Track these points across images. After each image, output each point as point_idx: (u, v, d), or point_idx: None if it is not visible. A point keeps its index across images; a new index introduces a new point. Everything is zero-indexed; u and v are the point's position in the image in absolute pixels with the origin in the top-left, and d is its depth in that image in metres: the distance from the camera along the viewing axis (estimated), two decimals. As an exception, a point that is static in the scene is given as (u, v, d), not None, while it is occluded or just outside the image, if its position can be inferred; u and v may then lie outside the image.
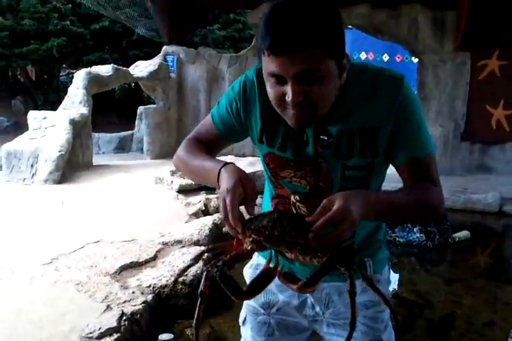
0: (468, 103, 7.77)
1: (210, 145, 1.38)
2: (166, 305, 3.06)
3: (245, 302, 1.49)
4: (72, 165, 6.79)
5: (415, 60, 9.06)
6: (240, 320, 1.53)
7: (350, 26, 8.98)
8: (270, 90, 1.11)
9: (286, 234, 1.02)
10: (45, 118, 6.99)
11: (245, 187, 1.09)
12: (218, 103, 1.37)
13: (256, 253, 1.46)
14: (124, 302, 2.86)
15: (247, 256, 1.10)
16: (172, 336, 2.32)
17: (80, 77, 7.52)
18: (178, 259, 3.48)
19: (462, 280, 3.96)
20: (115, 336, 2.49)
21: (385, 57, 17.50)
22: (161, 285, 3.07)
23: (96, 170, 7.20)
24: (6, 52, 11.91)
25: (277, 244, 1.04)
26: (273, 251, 1.12)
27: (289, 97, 1.06)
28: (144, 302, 2.85)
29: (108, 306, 2.79)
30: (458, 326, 3.14)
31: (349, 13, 7.97)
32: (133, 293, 2.99)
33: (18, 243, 3.87)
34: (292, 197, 1.33)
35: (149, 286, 3.08)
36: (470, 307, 3.42)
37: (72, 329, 2.52)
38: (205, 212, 5.26)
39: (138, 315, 2.73)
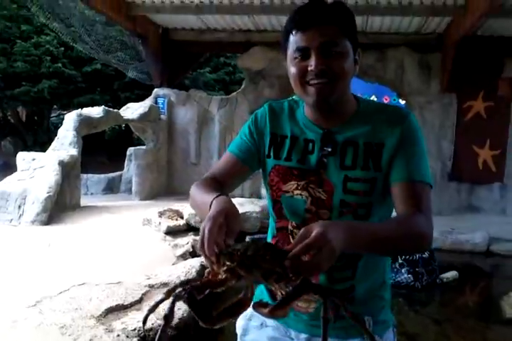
0: (455, 143, 7.91)
1: (227, 178, 1.40)
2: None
3: None
4: (60, 206, 6.76)
5: (402, 102, 9.26)
6: None
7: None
8: (294, 68, 1.24)
9: (260, 258, 0.98)
10: (34, 159, 7.00)
11: (229, 218, 1.08)
12: (232, 141, 1.47)
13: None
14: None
15: (220, 284, 1.06)
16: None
17: (70, 118, 7.59)
18: (164, 302, 3.43)
19: (451, 320, 3.93)
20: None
21: (373, 99, 17.96)
22: (146, 329, 3.02)
23: (83, 211, 7.15)
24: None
25: (251, 270, 1.00)
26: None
27: (312, 66, 1.20)
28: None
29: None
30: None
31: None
32: (118, 336, 2.94)
33: (1, 285, 3.81)
34: (289, 225, 1.35)
35: (134, 330, 3.02)
36: (460, 349, 3.38)
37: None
38: (193, 253, 5.22)
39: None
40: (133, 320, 3.14)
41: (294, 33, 1.23)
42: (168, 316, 1.00)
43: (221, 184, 1.36)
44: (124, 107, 8.75)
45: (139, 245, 5.34)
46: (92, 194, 9.65)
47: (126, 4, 6.90)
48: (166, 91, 9.07)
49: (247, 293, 1.07)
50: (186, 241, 5.47)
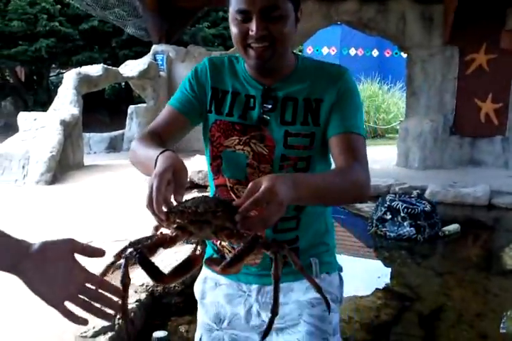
0: (456, 97, 7.83)
1: (169, 132, 1.38)
2: (160, 303, 3.08)
3: (199, 321, 1.49)
4: (63, 165, 6.80)
5: (404, 55, 9.11)
6: (196, 340, 1.50)
7: (338, 22, 9.02)
8: (235, 29, 1.23)
9: (211, 214, 0.96)
10: (35, 119, 6.98)
11: (177, 174, 1.05)
12: (172, 96, 1.45)
13: (204, 267, 1.44)
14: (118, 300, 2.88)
15: (170, 242, 1.04)
16: (166, 333, 2.34)
17: (69, 77, 7.52)
18: (170, 258, 3.50)
19: (452, 272, 4.01)
20: (109, 334, 2.51)
21: (375, 53, 17.59)
22: (153, 284, 3.09)
23: (87, 170, 7.20)
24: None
25: (202, 226, 0.99)
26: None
27: (252, 31, 1.20)
28: (137, 301, 2.88)
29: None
30: (448, 318, 3.18)
31: (337, 9, 8.01)
32: (126, 291, 3.02)
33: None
34: (227, 181, 1.36)
35: (142, 285, 3.10)
36: (460, 300, 3.47)
37: (66, 329, 2.54)
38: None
39: (132, 314, 2.75)
40: (140, 275, 3.20)
41: None
42: (125, 280, 0.98)
43: (162, 138, 1.35)
44: (122, 65, 8.65)
45: (142, 202, 5.39)
46: (95, 153, 9.68)
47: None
48: (164, 48, 8.93)
49: (196, 249, 1.08)
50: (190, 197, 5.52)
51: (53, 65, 14.36)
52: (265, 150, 1.31)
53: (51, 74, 14.99)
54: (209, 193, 1.45)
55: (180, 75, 8.91)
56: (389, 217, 4.59)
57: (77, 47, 12.27)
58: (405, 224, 4.43)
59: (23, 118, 7.03)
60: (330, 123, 1.30)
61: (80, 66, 7.91)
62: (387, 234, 4.57)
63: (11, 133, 7.61)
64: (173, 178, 1.04)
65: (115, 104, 13.62)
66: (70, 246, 0.98)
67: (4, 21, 11.59)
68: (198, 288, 1.50)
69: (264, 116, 1.32)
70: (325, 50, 17.09)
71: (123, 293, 0.98)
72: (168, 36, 9.00)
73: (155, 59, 8.95)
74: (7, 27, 11.55)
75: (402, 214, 4.49)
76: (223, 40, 12.80)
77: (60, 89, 7.53)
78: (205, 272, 1.48)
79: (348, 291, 3.51)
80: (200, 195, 1.10)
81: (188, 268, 1.01)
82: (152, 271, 0.95)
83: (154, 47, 9.00)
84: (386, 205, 4.64)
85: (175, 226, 1.01)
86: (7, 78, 15.21)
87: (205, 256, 1.41)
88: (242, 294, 1.41)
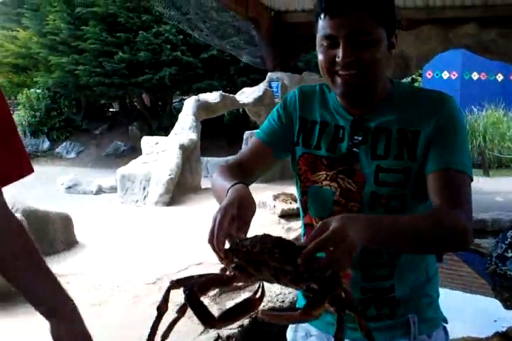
0: None
1: (253, 163, 1.33)
2: (263, 331, 3.08)
3: None
4: (182, 188, 7.11)
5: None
6: None
7: (457, 46, 8.70)
8: (321, 56, 1.17)
9: (267, 255, 0.88)
10: (157, 143, 7.40)
11: (242, 209, 1.00)
12: (260, 127, 1.41)
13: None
14: (222, 325, 2.93)
15: (227, 282, 0.98)
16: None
17: (189, 104, 7.91)
18: (277, 285, 3.51)
19: None
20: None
21: (499, 77, 16.66)
22: (258, 310, 3.10)
23: (204, 193, 7.45)
24: (124, 81, 12.84)
25: (260, 268, 0.91)
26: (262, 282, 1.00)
27: (339, 58, 1.12)
28: (240, 326, 2.90)
29: (205, 329, 2.87)
30: None
31: (456, 33, 7.74)
32: (231, 316, 3.06)
33: (127, 262, 4.11)
34: (313, 221, 1.28)
35: (247, 310, 3.12)
36: None
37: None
38: (306, 236, 5.27)
39: (233, 339, 2.78)
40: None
41: (322, 17, 1.14)
42: (160, 308, 0.97)
43: (245, 170, 1.29)
44: (239, 92, 8.94)
45: (254, 227, 5.44)
46: (212, 176, 10.01)
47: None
48: (279, 75, 9.11)
49: (257, 292, 0.98)
50: (299, 225, 5.51)
51: (177, 92, 15.21)
52: (354, 186, 1.21)
53: (174, 100, 15.89)
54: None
55: (294, 101, 9.02)
56: (510, 255, 4.25)
57: (198, 75, 12.90)
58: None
59: (146, 142, 7.49)
60: (428, 158, 1.16)
61: (200, 93, 8.29)
62: (508, 273, 4.22)
63: (136, 155, 8.13)
64: (239, 213, 0.99)
65: (233, 130, 14.08)
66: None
67: (133, 51, 12.52)
68: (288, 337, 1.43)
69: (354, 149, 1.22)
70: (445, 75, 16.50)
71: (155, 319, 0.98)
72: (282, 63, 9.19)
73: (270, 86, 9.16)
74: (135, 57, 12.45)
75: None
76: (339, 66, 12.83)
77: (180, 115, 7.94)
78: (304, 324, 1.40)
79: (459, 331, 3.32)
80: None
81: (243, 312, 0.93)
82: (201, 311, 0.89)
83: (269, 75, 9.22)
84: (507, 242, 4.30)
85: (233, 266, 0.95)
86: (134, 104, 16.36)
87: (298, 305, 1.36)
88: (309, 337, 1.34)
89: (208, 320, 0.88)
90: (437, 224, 1.02)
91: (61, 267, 4.20)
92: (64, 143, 15.03)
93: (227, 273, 0.98)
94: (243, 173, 1.27)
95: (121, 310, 3.12)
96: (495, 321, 3.60)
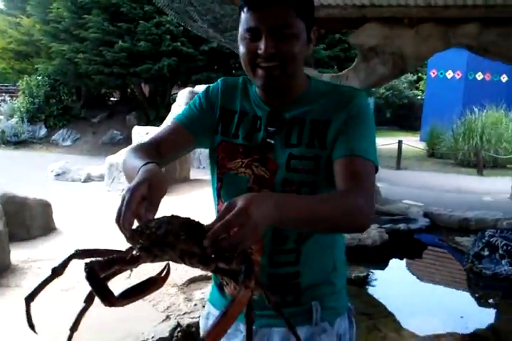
0: None
1: (168, 145, 1.30)
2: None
3: None
4: (170, 178, 7.11)
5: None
6: None
7: (456, 45, 8.64)
8: (244, 48, 1.18)
9: (173, 237, 0.88)
10: (147, 133, 7.41)
11: (152, 189, 0.97)
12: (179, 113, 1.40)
13: (207, 302, 1.42)
14: (184, 314, 2.92)
15: (130, 263, 0.95)
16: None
17: (183, 95, 7.92)
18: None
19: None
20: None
21: (503, 78, 16.57)
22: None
23: (193, 184, 7.47)
24: (123, 71, 12.87)
25: (165, 250, 0.90)
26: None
27: (261, 50, 1.14)
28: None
29: (167, 316, 2.87)
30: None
31: (455, 32, 7.67)
32: (195, 305, 3.05)
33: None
34: None
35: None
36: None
37: (128, 335, 2.61)
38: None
39: (193, 328, 2.77)
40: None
41: (245, 10, 1.16)
42: (58, 271, 0.96)
43: (159, 151, 1.26)
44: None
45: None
46: (204, 168, 10.02)
47: (238, -18, 6.95)
48: (277, 69, 9.08)
49: (162, 272, 0.99)
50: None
51: (177, 83, 15.20)
52: (267, 173, 1.24)
53: (173, 91, 15.89)
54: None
55: (290, 96, 9.00)
56: (486, 253, 4.24)
57: (197, 66, 12.88)
58: (503, 262, 4.06)
59: (137, 131, 7.50)
60: (336, 145, 1.19)
61: (200, 85, 8.28)
62: (483, 271, 4.20)
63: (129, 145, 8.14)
64: (148, 194, 0.96)
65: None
66: None
67: (133, 42, 12.50)
68: (201, 324, 1.44)
69: (268, 139, 1.25)
70: (449, 74, 16.46)
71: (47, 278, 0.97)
72: (281, 57, 9.15)
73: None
74: (135, 47, 12.44)
75: (500, 252, 4.13)
76: (339, 62, 12.79)
77: (173, 106, 7.94)
78: (209, 308, 1.42)
79: (426, 328, 3.32)
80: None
81: (145, 290, 0.93)
82: (100, 289, 0.88)
83: (267, 68, 9.19)
84: (484, 241, 4.30)
85: (139, 246, 0.92)
86: (135, 94, 16.36)
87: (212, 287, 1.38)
88: (238, 334, 1.33)
89: (107, 298, 0.87)
90: (338, 206, 1.04)
91: (35, 252, 4.21)
92: (61, 131, 15.03)
93: (134, 252, 0.94)
94: (156, 154, 1.24)
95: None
96: (461, 317, 3.59)
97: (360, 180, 1.13)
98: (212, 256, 0.89)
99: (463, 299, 4.13)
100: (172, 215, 0.95)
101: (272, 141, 1.25)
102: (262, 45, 1.14)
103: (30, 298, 0.99)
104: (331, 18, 8.32)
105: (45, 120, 15.22)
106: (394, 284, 4.44)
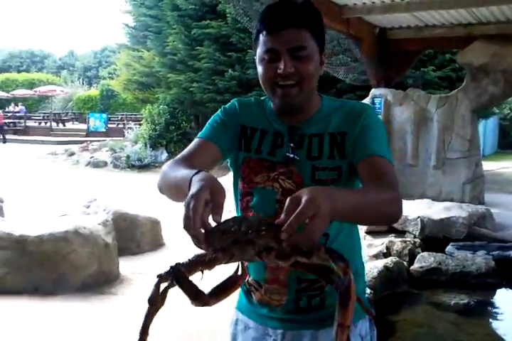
0: None
1: (199, 160, 1.36)
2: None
3: None
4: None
5: None
6: None
7: None
8: (263, 68, 1.29)
9: (255, 233, 0.92)
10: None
11: (214, 193, 1.00)
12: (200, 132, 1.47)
13: (235, 309, 1.46)
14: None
15: (209, 264, 0.99)
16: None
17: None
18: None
19: None
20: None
21: None
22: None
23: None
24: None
25: (246, 247, 0.93)
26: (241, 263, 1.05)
27: (281, 69, 1.25)
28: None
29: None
30: None
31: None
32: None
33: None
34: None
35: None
36: None
37: None
38: (387, 254, 5.18)
39: None
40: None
41: (264, 33, 1.27)
42: (153, 299, 0.94)
43: (193, 166, 1.26)
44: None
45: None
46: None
47: (339, 8, 7.08)
48: (382, 91, 9.02)
49: (237, 271, 1.06)
50: (381, 242, 5.42)
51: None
52: (293, 185, 1.33)
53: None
54: None
55: (398, 119, 8.88)
56: None
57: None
58: None
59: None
60: (355, 151, 1.30)
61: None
62: None
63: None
64: (212, 198, 1.00)
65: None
66: None
67: (243, 70, 13.04)
68: (229, 330, 1.49)
69: (289, 154, 1.34)
70: None
71: (147, 312, 0.94)
72: (387, 80, 9.09)
73: (373, 102, 9.09)
74: (245, 75, 12.95)
75: None
76: (450, 83, 12.37)
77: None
78: (237, 314, 1.48)
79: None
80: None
81: (230, 288, 1.00)
82: (191, 290, 0.92)
83: (373, 91, 9.16)
84: None
85: (215, 247, 0.96)
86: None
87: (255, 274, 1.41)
88: (268, 338, 1.39)
89: (198, 298, 0.92)
90: (379, 198, 1.13)
91: (142, 265, 4.54)
92: (180, 155, 15.89)
93: (210, 255, 0.99)
94: (192, 167, 1.29)
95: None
96: None
97: (386, 176, 1.23)
98: (290, 250, 0.92)
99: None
100: (242, 216, 1.11)
101: (294, 155, 1.34)
102: (281, 65, 1.25)
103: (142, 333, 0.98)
104: (437, 38, 8.20)
105: (166, 145, 16.21)
106: (496, 314, 4.21)
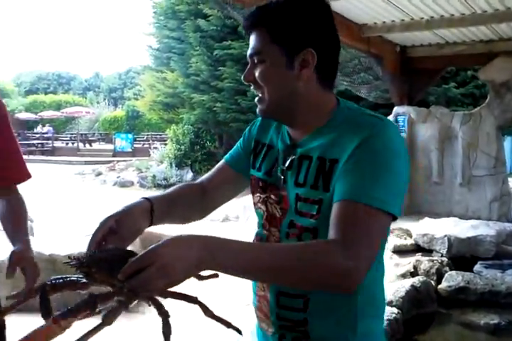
0: None
1: (215, 185, 1.34)
2: None
3: None
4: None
5: None
6: None
7: None
8: None
9: (96, 269, 0.93)
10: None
11: (120, 225, 1.03)
12: None
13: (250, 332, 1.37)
14: None
15: (81, 286, 1.01)
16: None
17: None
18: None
19: None
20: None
21: None
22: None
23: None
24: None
25: (91, 280, 0.97)
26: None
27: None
28: None
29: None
30: None
31: None
32: None
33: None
34: (256, 240, 1.28)
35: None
36: None
37: None
38: (414, 274, 5.13)
39: None
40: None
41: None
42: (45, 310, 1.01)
43: (205, 190, 1.32)
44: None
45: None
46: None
47: (359, 27, 7.15)
48: (405, 109, 9.01)
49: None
50: (408, 261, 5.38)
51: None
52: (279, 212, 1.18)
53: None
54: None
55: (422, 136, 8.85)
56: None
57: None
58: None
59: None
60: (336, 188, 1.04)
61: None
62: None
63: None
64: (117, 228, 1.04)
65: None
66: None
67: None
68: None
69: (281, 175, 1.19)
70: None
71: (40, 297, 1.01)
72: (409, 98, 9.09)
73: (396, 120, 9.07)
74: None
75: None
76: (474, 100, 12.30)
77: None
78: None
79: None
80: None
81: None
82: (44, 307, 1.00)
83: (396, 109, 9.15)
84: None
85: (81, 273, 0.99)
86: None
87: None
88: None
89: (46, 316, 1.00)
90: (307, 260, 0.92)
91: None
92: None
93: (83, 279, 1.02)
94: (196, 192, 1.32)
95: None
96: None
97: (352, 231, 0.96)
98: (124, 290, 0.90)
99: None
100: (113, 248, 1.03)
101: (283, 177, 1.18)
102: None
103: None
104: (458, 55, 8.20)
105: (191, 165, 16.37)
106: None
